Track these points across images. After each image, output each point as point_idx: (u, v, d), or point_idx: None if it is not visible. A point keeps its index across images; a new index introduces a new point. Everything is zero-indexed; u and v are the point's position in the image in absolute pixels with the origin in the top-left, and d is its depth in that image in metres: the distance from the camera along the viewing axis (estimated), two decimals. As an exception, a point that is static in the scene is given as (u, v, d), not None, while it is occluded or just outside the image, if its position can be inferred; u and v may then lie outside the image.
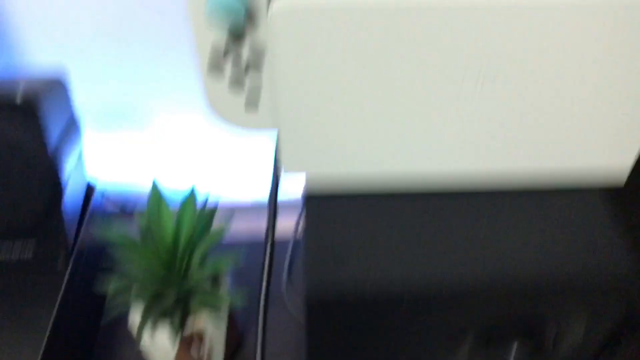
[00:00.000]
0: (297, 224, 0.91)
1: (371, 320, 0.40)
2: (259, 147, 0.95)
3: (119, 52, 0.84)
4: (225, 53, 0.36)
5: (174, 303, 0.64)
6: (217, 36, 0.35)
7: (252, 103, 0.39)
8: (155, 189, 0.65)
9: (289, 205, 0.93)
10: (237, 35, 0.35)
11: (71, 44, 0.82)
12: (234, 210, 1.02)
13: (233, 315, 0.74)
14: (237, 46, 0.36)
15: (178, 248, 0.64)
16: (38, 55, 0.84)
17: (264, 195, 1.01)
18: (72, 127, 0.78)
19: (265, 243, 0.57)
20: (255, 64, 0.37)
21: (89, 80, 0.87)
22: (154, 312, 0.64)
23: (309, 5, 0.32)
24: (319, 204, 0.44)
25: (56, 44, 0.82)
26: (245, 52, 0.36)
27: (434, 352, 0.44)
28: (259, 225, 1.00)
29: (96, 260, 0.81)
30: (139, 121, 0.94)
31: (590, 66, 0.36)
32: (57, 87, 0.74)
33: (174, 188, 1.02)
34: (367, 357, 0.44)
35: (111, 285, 0.63)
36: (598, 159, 0.42)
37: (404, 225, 0.42)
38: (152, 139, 0.96)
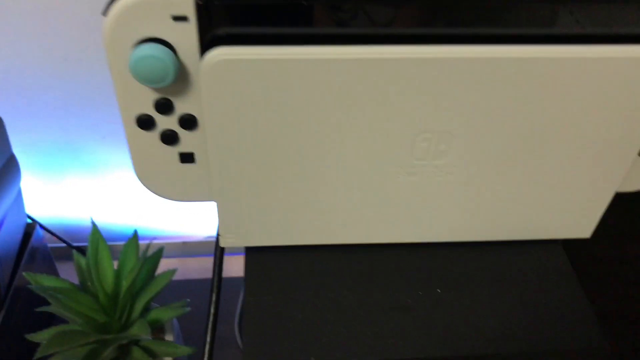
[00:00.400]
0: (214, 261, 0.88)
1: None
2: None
3: (59, 94, 0.80)
4: (154, 116, 0.33)
5: (115, 353, 0.60)
6: (144, 100, 0.33)
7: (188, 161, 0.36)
8: (95, 232, 0.61)
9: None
10: (166, 99, 0.32)
11: (10, 87, 0.78)
12: (185, 245, 0.99)
13: (180, 363, 0.70)
14: (167, 109, 0.33)
15: (119, 295, 0.60)
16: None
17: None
18: (10, 167, 0.74)
19: (211, 293, 0.55)
20: (188, 125, 0.34)
21: (30, 121, 0.83)
22: (92, 365, 0.59)
23: (244, 55, 0.29)
24: (259, 259, 0.41)
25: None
26: (179, 112, 0.33)
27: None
28: (211, 260, 0.97)
29: (32, 305, 0.76)
30: (81, 160, 0.90)
31: (548, 133, 0.34)
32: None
33: (119, 225, 0.99)
34: None
35: (46, 334, 0.58)
36: (566, 214, 0.40)
37: (349, 287, 0.40)
38: (95, 178, 0.92)
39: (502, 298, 0.39)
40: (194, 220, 0.95)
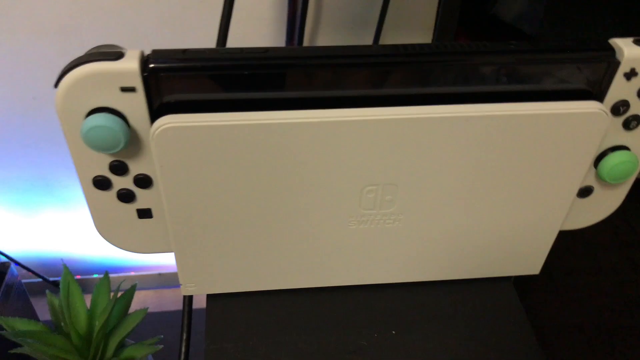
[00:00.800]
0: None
1: None
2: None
3: (29, 132, 0.81)
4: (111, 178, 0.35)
5: (89, 394, 0.61)
6: (99, 163, 0.34)
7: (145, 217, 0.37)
8: (66, 274, 0.62)
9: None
10: (120, 161, 0.34)
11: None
12: (161, 276, 1.00)
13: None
14: (122, 170, 0.34)
15: (92, 335, 0.61)
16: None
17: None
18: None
19: (182, 332, 0.55)
20: (143, 184, 0.35)
21: (2, 158, 0.84)
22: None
23: (190, 122, 0.31)
24: (220, 305, 0.42)
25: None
26: (133, 173, 0.35)
27: None
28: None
29: (7, 347, 0.76)
30: (54, 195, 0.90)
31: (488, 181, 0.36)
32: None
33: (95, 257, 0.99)
34: None
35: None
36: (514, 254, 0.42)
37: (306, 329, 0.41)
38: (69, 212, 0.92)
39: (454, 337, 0.41)
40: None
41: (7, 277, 0.80)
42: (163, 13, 0.69)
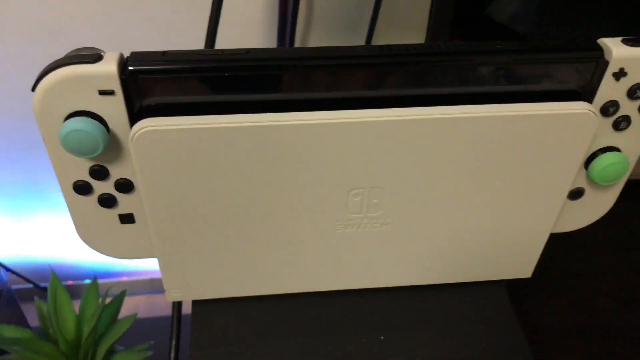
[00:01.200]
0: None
1: None
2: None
3: (21, 137, 0.80)
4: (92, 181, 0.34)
5: (78, 401, 0.60)
6: (79, 167, 0.33)
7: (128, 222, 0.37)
8: (53, 280, 0.61)
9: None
10: (100, 166, 0.33)
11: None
12: (153, 281, 0.99)
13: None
14: (102, 175, 0.34)
15: (81, 341, 0.61)
16: None
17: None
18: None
19: (171, 339, 0.55)
20: (125, 189, 0.34)
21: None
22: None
23: (170, 126, 0.30)
24: (205, 311, 0.41)
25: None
26: (114, 177, 0.34)
27: None
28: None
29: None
30: (47, 201, 0.90)
31: (477, 183, 0.35)
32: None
33: (88, 262, 0.98)
34: None
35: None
36: (505, 257, 0.41)
37: (295, 336, 0.40)
38: (61, 217, 0.92)
39: (443, 342, 0.40)
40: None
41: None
42: (153, 16, 0.68)
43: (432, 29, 0.54)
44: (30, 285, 0.92)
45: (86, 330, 0.59)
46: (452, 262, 0.40)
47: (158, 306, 0.96)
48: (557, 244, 0.42)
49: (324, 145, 0.32)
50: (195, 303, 0.42)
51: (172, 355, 0.54)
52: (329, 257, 0.38)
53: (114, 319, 0.62)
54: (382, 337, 0.40)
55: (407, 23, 0.74)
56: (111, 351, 0.64)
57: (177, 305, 0.52)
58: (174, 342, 0.54)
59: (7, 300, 0.82)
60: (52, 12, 0.67)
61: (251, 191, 0.34)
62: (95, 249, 0.38)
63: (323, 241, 0.37)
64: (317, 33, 0.72)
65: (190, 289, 0.39)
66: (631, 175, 0.38)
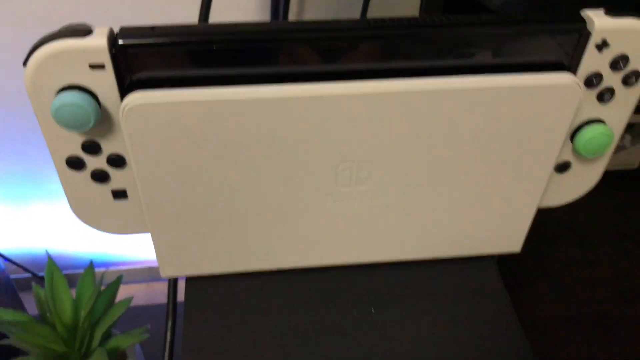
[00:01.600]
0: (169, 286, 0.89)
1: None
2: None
3: (16, 126, 0.81)
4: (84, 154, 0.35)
5: (76, 384, 0.61)
6: (71, 142, 0.34)
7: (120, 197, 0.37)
8: (50, 265, 0.62)
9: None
10: (92, 141, 0.34)
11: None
12: (151, 270, 1.00)
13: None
14: (94, 150, 0.34)
15: (78, 324, 0.61)
16: None
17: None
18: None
19: (167, 319, 0.56)
20: (117, 164, 0.35)
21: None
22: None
23: (159, 99, 0.31)
24: (198, 288, 0.42)
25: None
26: (106, 152, 0.35)
27: None
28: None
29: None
30: (43, 190, 0.90)
31: (464, 156, 0.36)
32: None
33: (86, 252, 0.99)
34: None
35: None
36: (494, 237, 0.42)
37: (286, 309, 0.41)
38: (58, 206, 0.92)
39: (434, 315, 0.41)
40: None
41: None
42: (148, 2, 0.69)
43: (425, 8, 0.54)
44: (29, 275, 0.93)
45: (83, 314, 0.60)
46: (442, 235, 0.41)
47: (156, 294, 0.96)
48: (554, 232, 0.42)
49: (312, 118, 0.33)
50: (188, 280, 0.42)
51: (168, 336, 0.55)
52: (320, 231, 0.39)
53: (110, 304, 0.63)
54: (372, 310, 0.40)
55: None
56: (108, 335, 0.64)
57: (173, 284, 0.53)
58: (169, 324, 0.55)
59: (5, 288, 0.82)
60: (45, 0, 0.68)
61: (241, 164, 0.34)
62: (88, 224, 0.38)
63: (313, 215, 0.38)
64: (311, 7, 0.72)
65: (183, 264, 0.40)
66: (630, 165, 0.39)
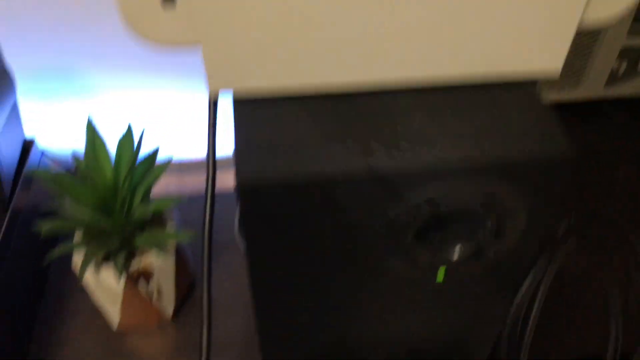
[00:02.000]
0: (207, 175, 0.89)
1: (306, 209, 0.40)
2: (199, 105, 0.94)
3: (54, 17, 0.81)
4: None
5: (118, 241, 0.63)
6: None
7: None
8: (89, 126, 0.63)
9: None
10: None
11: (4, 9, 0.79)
12: (185, 165, 1.01)
13: (183, 255, 0.73)
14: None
15: (118, 184, 0.63)
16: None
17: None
18: (3, 79, 0.75)
19: (206, 194, 0.56)
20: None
21: (24, 44, 0.84)
22: (97, 251, 0.62)
23: None
24: (247, 106, 0.43)
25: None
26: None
27: (372, 247, 0.43)
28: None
29: (35, 214, 0.78)
30: (79, 85, 0.91)
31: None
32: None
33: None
34: (304, 250, 0.43)
35: (50, 225, 0.61)
36: (533, 52, 0.42)
37: (332, 121, 0.42)
38: (94, 103, 0.93)
39: (478, 137, 0.41)
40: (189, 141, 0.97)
41: (29, 158, 0.81)
42: None
43: None
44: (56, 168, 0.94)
45: (123, 172, 0.61)
46: (484, 47, 0.41)
47: (187, 187, 0.98)
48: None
49: None
50: (236, 103, 0.43)
51: (210, 188, 0.55)
52: (364, 38, 0.39)
53: (150, 165, 0.65)
54: (419, 122, 0.41)
55: None
56: (147, 201, 0.66)
57: (213, 117, 0.51)
58: (211, 169, 0.55)
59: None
60: None
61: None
62: (138, 33, 0.39)
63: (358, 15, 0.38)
64: None
65: (233, 75, 0.40)
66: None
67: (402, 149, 0.40)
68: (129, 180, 0.62)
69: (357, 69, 0.42)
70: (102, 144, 0.63)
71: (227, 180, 0.86)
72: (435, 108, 0.43)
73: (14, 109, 0.79)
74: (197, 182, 1.00)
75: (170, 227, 0.69)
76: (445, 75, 0.43)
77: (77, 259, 0.64)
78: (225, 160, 0.91)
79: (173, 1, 0.38)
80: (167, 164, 0.65)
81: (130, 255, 0.65)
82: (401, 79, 0.43)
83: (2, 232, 0.68)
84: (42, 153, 0.88)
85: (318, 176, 0.38)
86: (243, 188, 0.37)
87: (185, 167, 1.02)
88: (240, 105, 0.43)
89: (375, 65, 0.42)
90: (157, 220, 0.69)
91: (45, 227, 0.61)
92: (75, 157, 0.64)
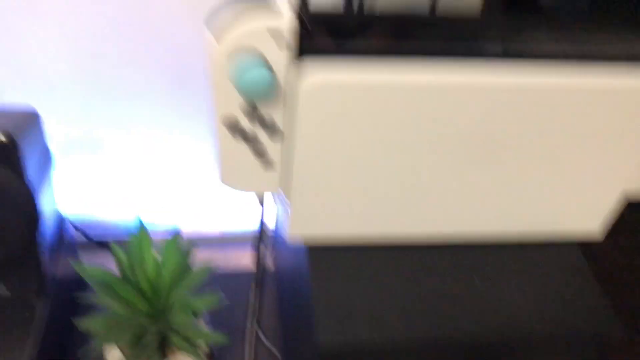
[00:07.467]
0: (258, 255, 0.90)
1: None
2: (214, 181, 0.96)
3: (88, 89, 0.83)
4: (247, 117, 0.38)
5: (155, 339, 0.64)
6: (238, 105, 0.37)
7: (269, 165, 0.41)
8: (140, 226, 0.65)
9: (244, 236, 0.95)
10: (254, 105, 0.37)
11: (42, 83, 0.81)
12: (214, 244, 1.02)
13: (212, 353, 0.74)
14: (254, 114, 0.37)
15: (160, 285, 0.65)
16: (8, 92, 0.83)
17: (228, 227, 1.02)
18: (45, 159, 0.77)
19: (255, 285, 0.59)
20: (271, 131, 0.38)
21: (58, 115, 0.86)
22: (137, 350, 0.63)
23: (339, 82, 0.34)
24: (322, 256, 0.46)
25: (27, 82, 0.81)
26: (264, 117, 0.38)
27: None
28: (224, 256, 1.01)
29: (72, 295, 0.79)
30: (106, 154, 0.93)
31: (573, 144, 0.40)
32: (31, 120, 0.73)
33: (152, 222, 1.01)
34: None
35: (93, 323, 0.62)
36: (578, 218, 0.46)
37: (404, 278, 0.45)
38: (120, 172, 0.95)
39: (527, 288, 0.45)
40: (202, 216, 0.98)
41: (64, 234, 0.82)
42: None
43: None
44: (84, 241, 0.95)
45: (168, 274, 0.63)
46: (537, 212, 0.45)
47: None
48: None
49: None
50: (311, 250, 0.46)
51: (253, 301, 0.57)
52: (443, 201, 0.43)
53: (188, 267, 0.66)
54: (476, 281, 0.44)
55: None
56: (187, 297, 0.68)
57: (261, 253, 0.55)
58: (254, 287, 0.58)
59: (72, 251, 0.86)
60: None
61: (392, 142, 0.38)
62: (231, 187, 0.42)
63: (445, 181, 0.41)
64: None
65: (313, 227, 0.43)
66: None
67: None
68: (172, 283, 0.64)
69: (431, 225, 0.45)
70: (149, 245, 0.65)
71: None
72: (490, 269, 0.46)
73: (51, 189, 0.81)
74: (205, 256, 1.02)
75: (202, 325, 0.70)
76: (507, 232, 0.46)
77: (111, 354, 0.65)
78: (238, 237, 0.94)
79: (273, 166, 0.40)
80: (209, 268, 0.67)
81: (164, 352, 0.67)
82: (465, 236, 0.46)
83: (42, 312, 0.69)
84: (75, 227, 0.89)
85: (395, 344, 0.40)
86: (323, 352, 0.40)
87: (199, 240, 1.04)
88: (314, 252, 0.45)
89: (443, 222, 0.45)
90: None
91: (85, 325, 0.62)
92: (115, 251, 0.66)
